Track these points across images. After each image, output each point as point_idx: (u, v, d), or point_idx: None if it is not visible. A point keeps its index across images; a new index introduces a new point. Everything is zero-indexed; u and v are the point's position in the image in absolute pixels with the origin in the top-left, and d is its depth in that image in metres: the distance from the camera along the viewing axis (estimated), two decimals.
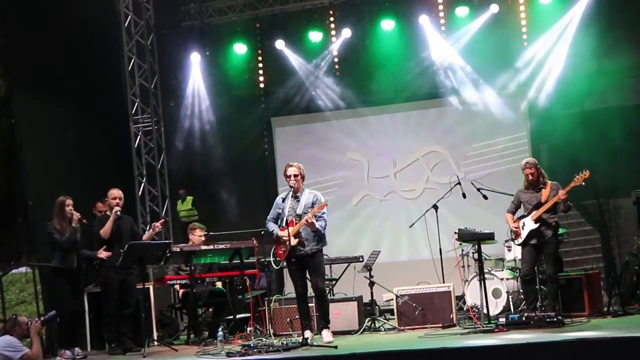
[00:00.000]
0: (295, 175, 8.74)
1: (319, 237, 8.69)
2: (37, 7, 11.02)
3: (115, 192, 9.37)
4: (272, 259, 9.94)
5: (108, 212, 9.41)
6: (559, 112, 12.98)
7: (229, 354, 7.95)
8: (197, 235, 10.26)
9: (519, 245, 9.39)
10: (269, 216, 8.92)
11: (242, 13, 14.03)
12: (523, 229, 9.17)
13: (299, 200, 8.75)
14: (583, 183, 8.92)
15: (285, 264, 9.08)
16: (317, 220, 8.58)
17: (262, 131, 14.57)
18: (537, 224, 9.06)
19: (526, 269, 9.18)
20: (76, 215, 9.12)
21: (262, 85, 14.53)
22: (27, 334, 8.11)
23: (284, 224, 8.69)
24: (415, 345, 7.97)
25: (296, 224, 8.60)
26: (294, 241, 8.56)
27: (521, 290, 9.84)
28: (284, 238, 8.59)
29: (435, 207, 10.08)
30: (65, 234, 9.04)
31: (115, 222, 9.24)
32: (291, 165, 8.83)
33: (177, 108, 14.35)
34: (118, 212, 9.22)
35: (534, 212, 9.11)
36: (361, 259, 10.55)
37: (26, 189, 10.63)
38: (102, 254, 9.18)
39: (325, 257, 9.34)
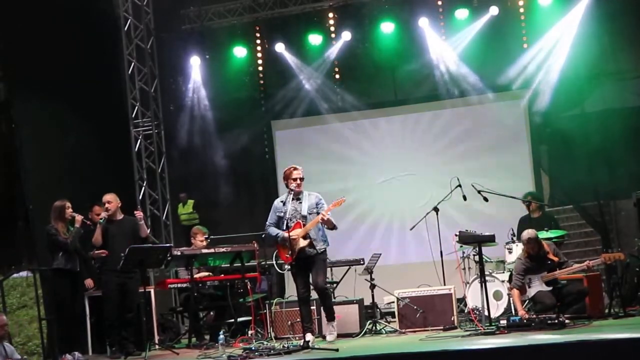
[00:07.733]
0: (301, 179, 8.73)
1: (325, 237, 8.69)
2: (37, 11, 11.02)
3: (106, 197, 9.29)
4: (274, 262, 9.92)
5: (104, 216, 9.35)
6: (559, 114, 13.00)
7: (230, 358, 7.93)
8: (199, 240, 10.24)
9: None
10: (268, 221, 8.85)
11: (241, 16, 14.04)
12: (530, 286, 9.01)
13: (301, 202, 8.72)
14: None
15: (289, 266, 9.04)
16: None
17: (262, 134, 14.58)
18: (550, 287, 8.96)
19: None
20: (79, 217, 9.11)
21: (262, 88, 14.54)
22: (4, 334, 8.04)
23: (284, 227, 8.65)
24: (417, 347, 7.94)
25: (303, 225, 8.57)
26: (304, 242, 8.53)
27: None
28: (293, 239, 8.50)
29: (435, 209, 10.07)
30: (67, 238, 9.03)
31: (106, 227, 9.17)
32: (296, 169, 8.78)
33: (177, 112, 14.37)
34: (102, 220, 9.16)
35: (544, 273, 8.97)
36: (362, 262, 10.54)
37: (26, 193, 10.62)
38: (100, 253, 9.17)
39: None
